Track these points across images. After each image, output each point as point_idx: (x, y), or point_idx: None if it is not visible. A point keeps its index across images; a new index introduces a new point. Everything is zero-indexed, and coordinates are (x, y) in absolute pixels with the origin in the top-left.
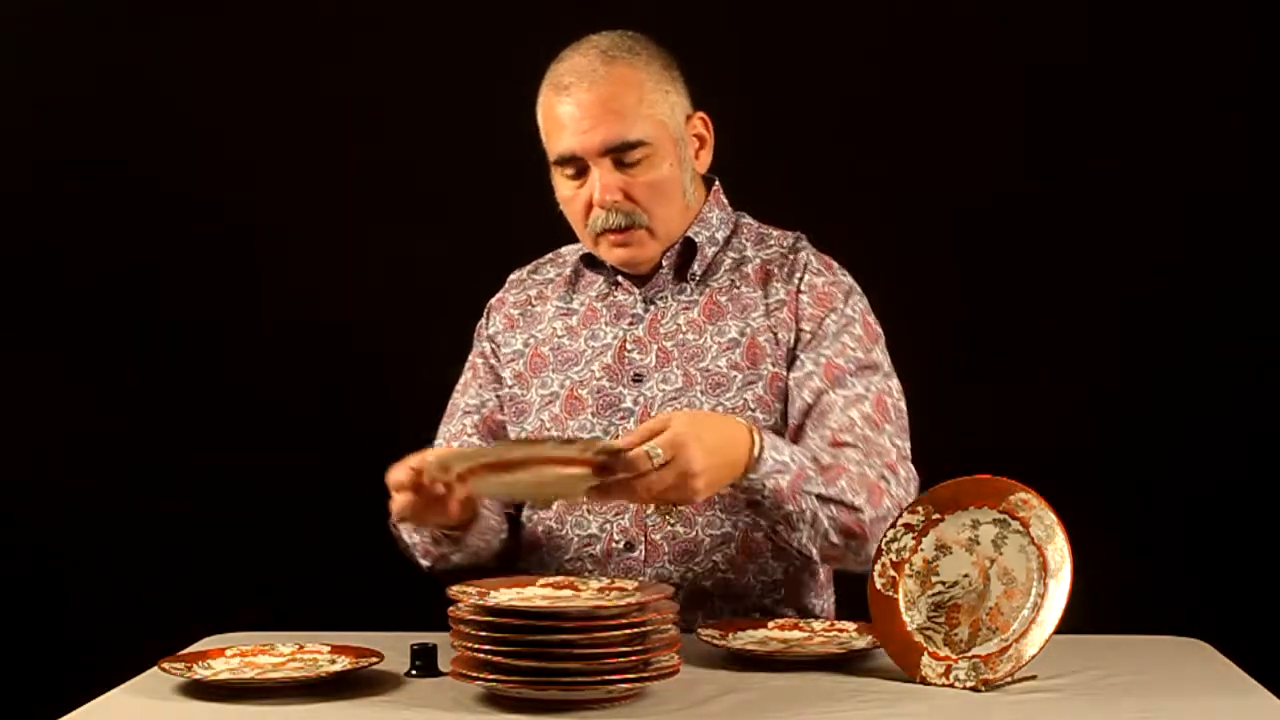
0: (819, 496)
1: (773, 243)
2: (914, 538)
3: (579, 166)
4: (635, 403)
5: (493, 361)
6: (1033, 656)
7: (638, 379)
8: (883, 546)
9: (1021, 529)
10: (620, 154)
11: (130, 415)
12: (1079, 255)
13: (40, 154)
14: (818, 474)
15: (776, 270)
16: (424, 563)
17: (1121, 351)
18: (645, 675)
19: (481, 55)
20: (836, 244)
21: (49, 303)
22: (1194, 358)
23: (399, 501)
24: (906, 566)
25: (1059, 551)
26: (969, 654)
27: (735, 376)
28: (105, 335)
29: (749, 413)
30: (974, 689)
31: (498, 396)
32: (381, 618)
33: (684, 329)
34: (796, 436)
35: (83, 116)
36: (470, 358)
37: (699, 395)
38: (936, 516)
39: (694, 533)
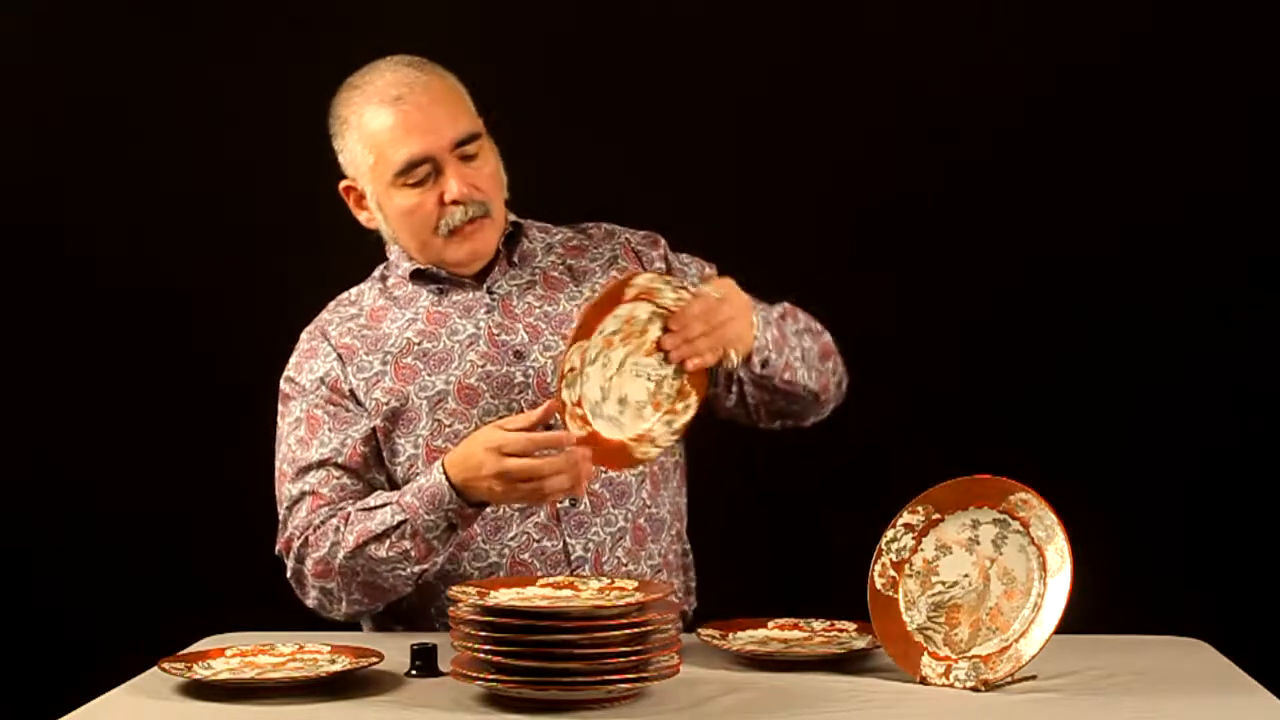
0: (796, 332)
1: (555, 230)
2: (914, 538)
3: (426, 171)
4: (526, 376)
5: (331, 407)
6: (1033, 656)
7: (519, 356)
8: (883, 546)
9: (1021, 529)
10: (465, 147)
11: (130, 415)
12: (1080, 257)
13: (40, 154)
14: (781, 317)
15: (588, 243)
16: (416, 570)
17: (1121, 351)
18: (645, 675)
19: (481, 57)
20: (837, 245)
21: (49, 303)
22: (1194, 357)
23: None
24: (906, 566)
25: (1059, 551)
26: (969, 654)
27: None
28: (105, 335)
29: None
30: (974, 689)
31: (353, 434)
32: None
33: (536, 305)
34: None
35: (83, 117)
36: (296, 416)
37: None
38: (936, 516)
39: (623, 475)
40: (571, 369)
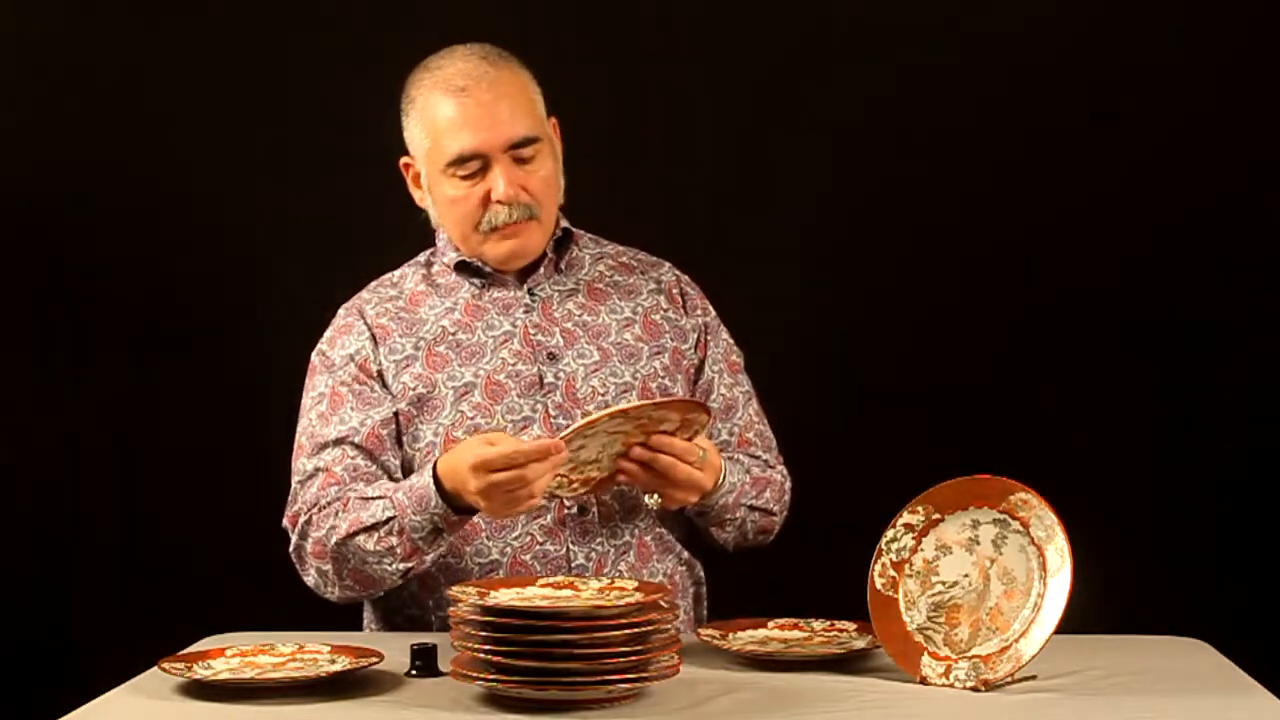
0: (749, 507)
1: (608, 244)
2: (914, 538)
3: (476, 166)
4: (556, 378)
5: (357, 385)
6: (1033, 656)
7: (552, 357)
8: (883, 546)
9: (1021, 529)
10: (519, 149)
11: (130, 415)
12: (1074, 254)
13: (40, 153)
14: (751, 488)
15: (636, 264)
16: (401, 567)
17: (1119, 350)
18: (645, 675)
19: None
20: (838, 243)
21: (50, 303)
22: (1193, 356)
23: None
24: (907, 566)
25: (1059, 551)
26: (969, 654)
27: (642, 348)
28: (106, 335)
29: (660, 379)
30: (974, 689)
31: (374, 415)
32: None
33: (576, 312)
34: None
35: (83, 116)
36: (320, 390)
37: (618, 365)
38: (936, 516)
39: (633, 490)
40: (610, 413)
